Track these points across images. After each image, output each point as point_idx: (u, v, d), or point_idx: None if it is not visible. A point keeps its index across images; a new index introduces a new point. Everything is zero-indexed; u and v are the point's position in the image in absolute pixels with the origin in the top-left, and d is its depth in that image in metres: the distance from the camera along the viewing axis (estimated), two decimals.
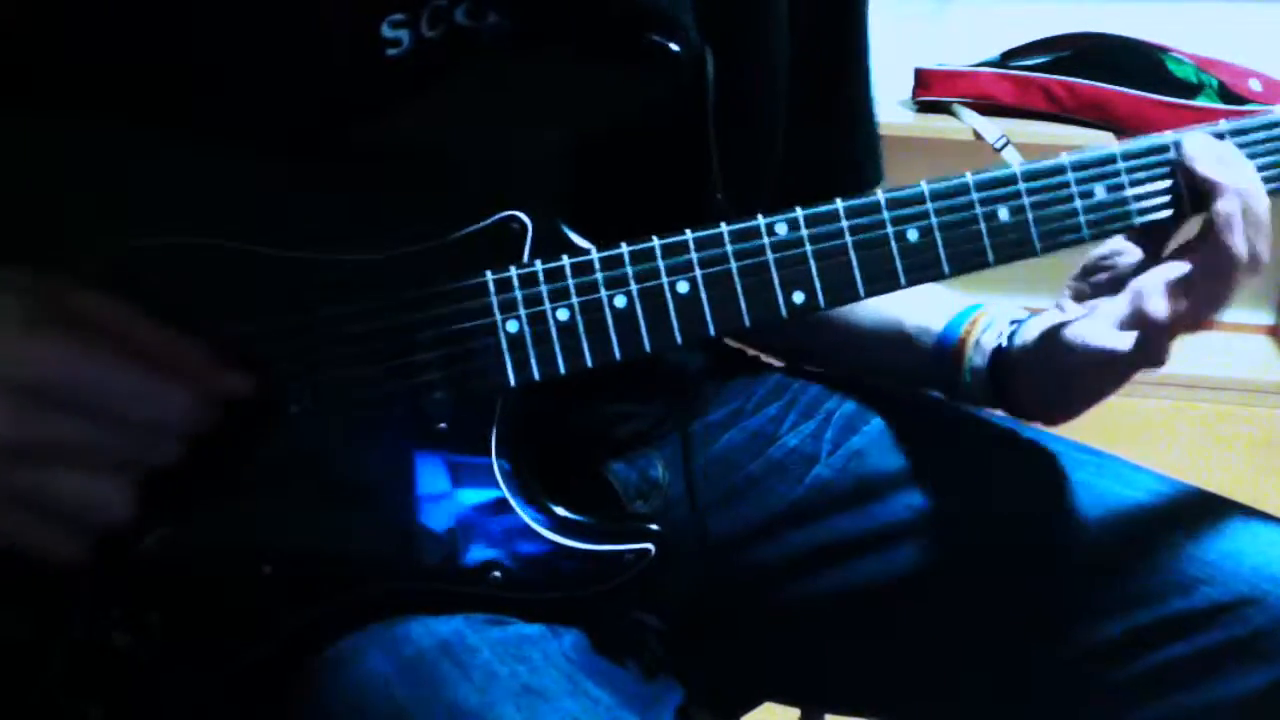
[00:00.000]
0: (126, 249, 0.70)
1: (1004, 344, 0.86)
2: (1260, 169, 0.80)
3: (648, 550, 0.75)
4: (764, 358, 1.05)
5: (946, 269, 0.76)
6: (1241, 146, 0.80)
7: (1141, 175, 0.79)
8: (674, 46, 0.72)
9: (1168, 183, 0.79)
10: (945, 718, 0.92)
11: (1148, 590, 0.82)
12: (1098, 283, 0.83)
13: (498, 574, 0.74)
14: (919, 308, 0.92)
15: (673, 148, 0.78)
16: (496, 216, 0.73)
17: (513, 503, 0.74)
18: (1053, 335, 0.82)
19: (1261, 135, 0.81)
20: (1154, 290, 0.77)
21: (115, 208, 0.71)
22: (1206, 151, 0.78)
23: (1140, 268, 0.80)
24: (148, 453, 0.67)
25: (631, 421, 0.90)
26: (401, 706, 0.68)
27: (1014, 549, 0.86)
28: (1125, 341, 0.77)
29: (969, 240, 0.76)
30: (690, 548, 0.87)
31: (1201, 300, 0.76)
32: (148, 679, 0.72)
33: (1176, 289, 0.76)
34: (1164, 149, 0.79)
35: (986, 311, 0.90)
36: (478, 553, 0.73)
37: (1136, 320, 0.77)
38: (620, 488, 0.89)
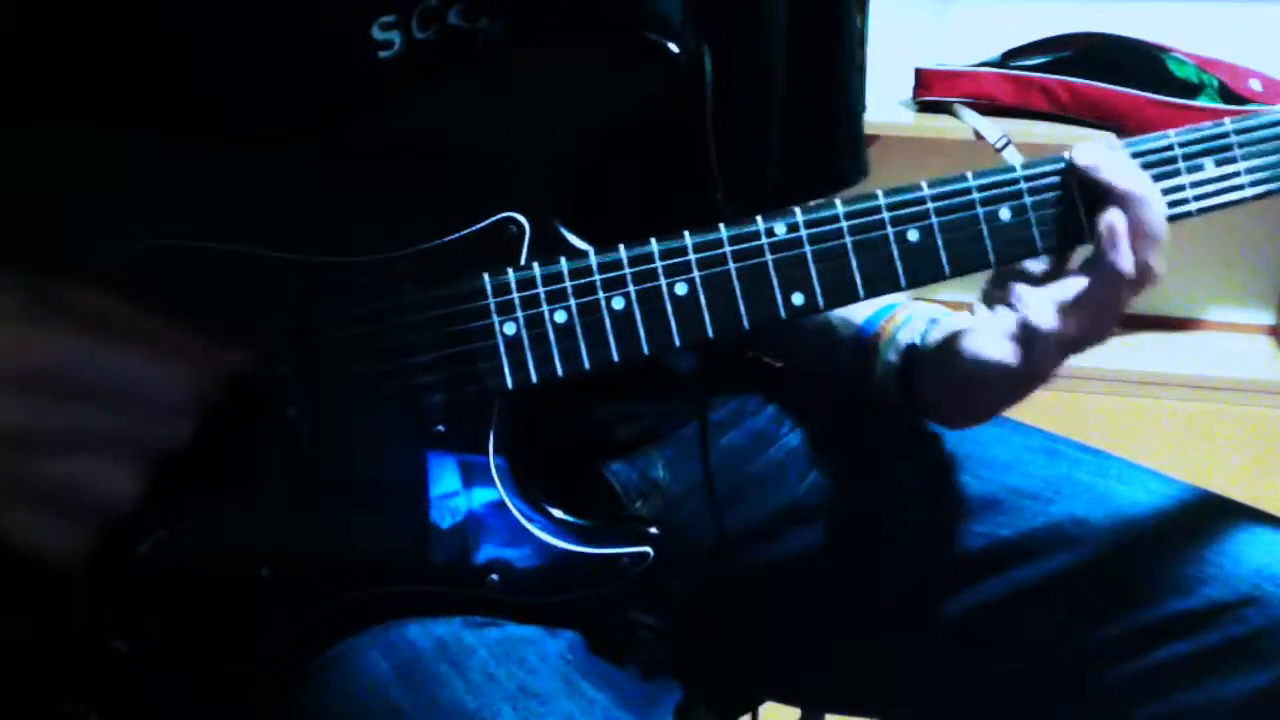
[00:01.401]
0: (124, 252, 0.70)
1: (916, 342, 0.86)
2: (1262, 169, 0.79)
3: (646, 554, 0.75)
4: (765, 358, 1.05)
5: (947, 269, 0.76)
6: (1244, 146, 0.79)
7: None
8: (671, 46, 0.72)
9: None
10: (945, 718, 0.92)
11: (1148, 590, 0.82)
12: (1008, 289, 0.80)
13: (495, 577, 0.74)
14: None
15: (670, 148, 0.78)
16: (493, 218, 0.73)
17: (510, 505, 0.74)
18: (953, 341, 0.81)
19: (1263, 135, 0.80)
20: (1041, 304, 0.76)
21: (113, 211, 0.71)
22: (1095, 163, 0.76)
23: (1044, 278, 0.78)
24: (153, 438, 0.66)
25: (632, 422, 0.90)
26: (399, 708, 0.68)
27: (1014, 549, 0.86)
28: (1012, 355, 0.77)
29: (970, 241, 0.76)
30: (691, 548, 0.87)
31: (1090, 315, 0.75)
32: (146, 681, 0.72)
33: (1066, 304, 0.75)
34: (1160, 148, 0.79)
35: (907, 307, 0.89)
36: (475, 555, 0.73)
37: (1023, 334, 0.76)
38: (620, 488, 0.89)
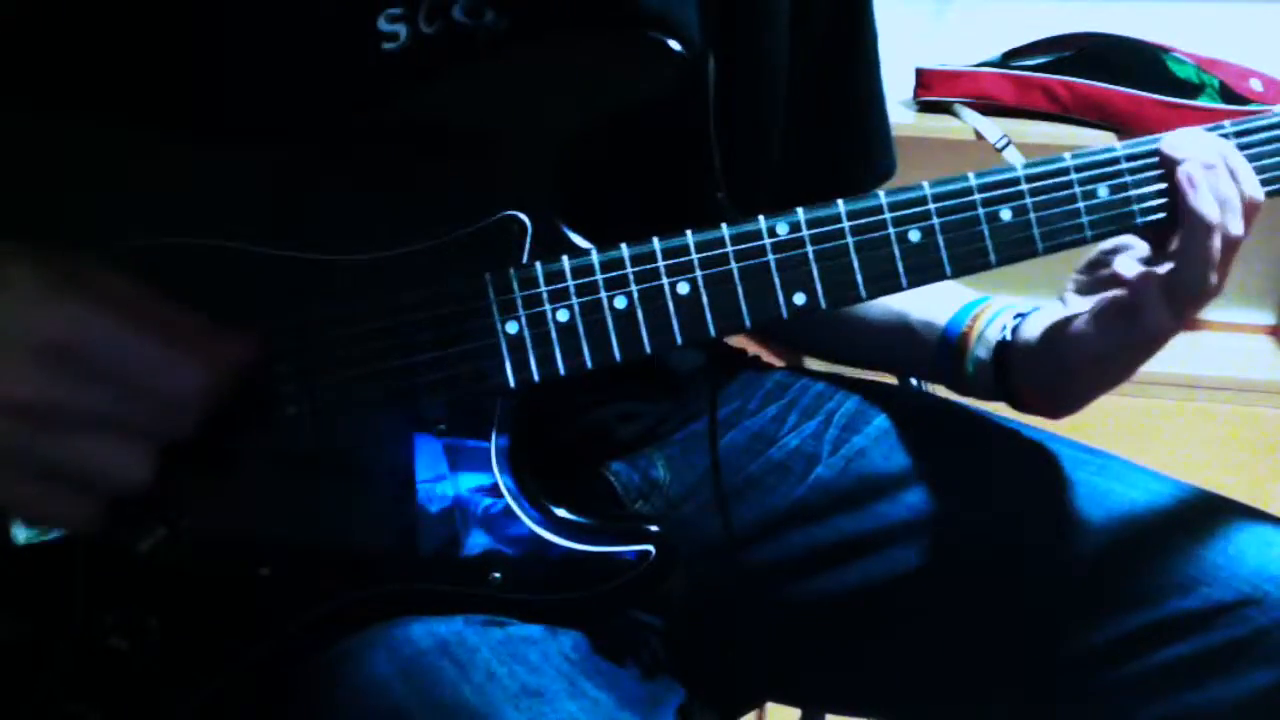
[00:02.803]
0: (126, 250, 0.70)
1: (1007, 337, 0.87)
2: (1264, 169, 0.80)
3: (648, 552, 0.74)
4: (765, 357, 1.05)
5: (948, 270, 0.76)
6: (1245, 148, 0.80)
7: (1144, 175, 0.79)
8: (675, 45, 0.72)
9: (1161, 183, 0.79)
10: (945, 718, 0.92)
11: (1148, 590, 0.82)
12: (1101, 277, 0.83)
13: (498, 575, 0.74)
14: (924, 301, 0.93)
15: (673, 147, 0.78)
16: (496, 217, 0.73)
17: (512, 504, 0.74)
18: (1054, 330, 0.83)
19: (1265, 136, 0.81)
20: (1144, 284, 0.78)
21: (113, 208, 0.71)
22: (1190, 148, 0.79)
23: (1146, 263, 0.80)
24: (167, 424, 0.66)
25: (633, 422, 0.90)
26: (401, 707, 0.68)
27: (1014, 549, 0.86)
28: (1125, 334, 0.78)
29: (971, 241, 0.76)
30: (692, 548, 0.87)
31: (1189, 291, 0.77)
32: (147, 680, 0.72)
33: (1166, 282, 0.77)
34: (1156, 145, 0.80)
35: (991, 305, 0.90)
36: (478, 554, 0.73)
37: (1134, 313, 0.78)
38: (621, 488, 0.89)
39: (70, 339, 0.63)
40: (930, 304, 0.92)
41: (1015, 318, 0.88)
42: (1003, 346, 0.87)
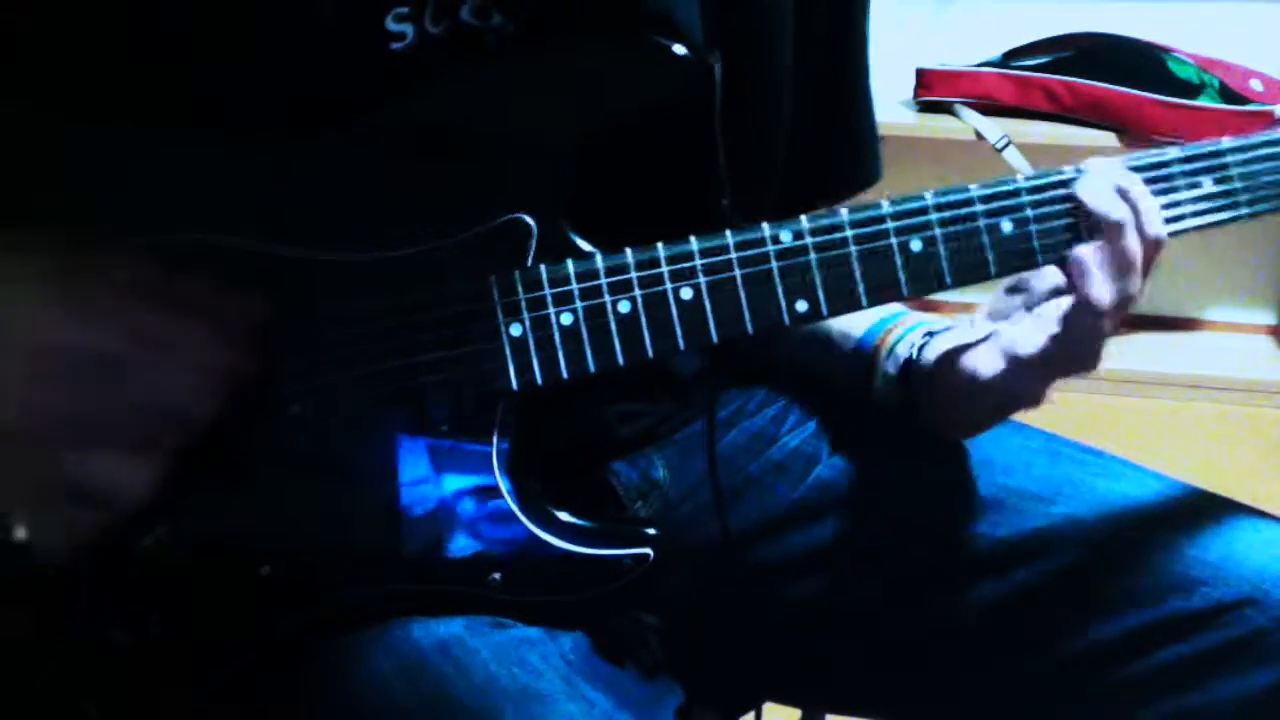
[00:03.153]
0: (133, 246, 0.70)
1: (913, 355, 0.86)
2: (1257, 188, 0.80)
3: (646, 555, 0.75)
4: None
5: (949, 279, 0.76)
6: (1245, 164, 0.80)
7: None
8: (681, 49, 0.72)
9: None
10: (945, 718, 0.92)
11: (1148, 590, 0.82)
12: (1013, 304, 0.81)
13: (497, 576, 0.74)
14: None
15: (679, 151, 0.78)
16: (502, 219, 0.73)
17: (512, 505, 0.73)
18: (951, 356, 0.82)
19: (1260, 154, 0.81)
20: (1026, 328, 0.77)
21: (117, 206, 0.71)
22: (1097, 182, 0.77)
23: (1051, 295, 0.78)
24: (170, 436, 0.66)
25: (633, 422, 0.90)
26: (400, 707, 0.68)
27: (1014, 549, 0.86)
28: (1003, 374, 0.78)
29: (972, 252, 0.76)
30: (692, 548, 0.87)
31: (1073, 341, 0.76)
32: (146, 678, 0.72)
33: (1051, 329, 0.76)
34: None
35: (906, 320, 0.89)
36: (478, 555, 0.73)
37: (1010, 355, 0.77)
38: (621, 489, 0.89)
39: (74, 354, 0.63)
40: (851, 315, 0.91)
41: (924, 335, 0.87)
42: (908, 363, 0.86)
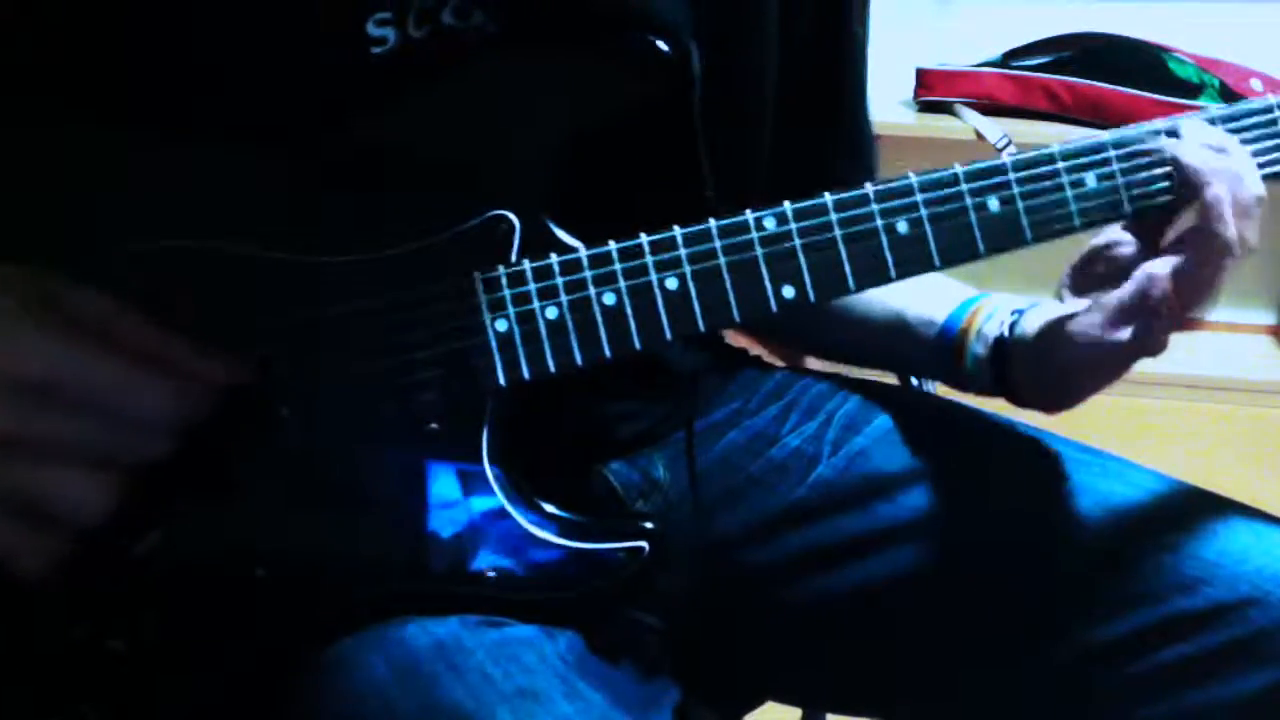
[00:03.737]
0: (123, 253, 0.70)
1: (1005, 334, 0.87)
2: (1252, 155, 0.80)
3: (641, 548, 0.74)
4: (766, 357, 1.05)
5: (937, 261, 0.76)
6: (1233, 134, 0.80)
7: (1132, 164, 0.79)
8: (661, 45, 0.72)
9: (1159, 170, 0.79)
10: (945, 718, 0.92)
11: (1149, 590, 0.82)
12: (1096, 273, 0.83)
13: (491, 574, 0.73)
14: (922, 298, 0.93)
15: (661, 146, 0.78)
16: (484, 216, 0.73)
17: (505, 502, 0.73)
18: (1052, 328, 0.83)
19: (1253, 121, 0.81)
20: (1152, 281, 0.77)
21: (108, 211, 0.71)
22: (1194, 139, 0.79)
23: (1138, 259, 0.80)
24: (130, 449, 0.66)
25: (633, 421, 0.90)
26: (396, 709, 0.68)
27: (1015, 549, 0.86)
28: (1126, 333, 0.78)
29: (959, 231, 0.76)
30: (692, 547, 0.86)
31: (1196, 289, 0.77)
32: (142, 682, 0.72)
33: (1173, 278, 0.77)
34: (1156, 135, 0.80)
35: (990, 301, 0.90)
36: (471, 553, 0.73)
37: (1136, 311, 0.78)
38: (621, 488, 0.89)
39: (35, 371, 0.63)
40: (928, 301, 0.93)
41: (1013, 314, 0.88)
42: (1000, 343, 0.87)
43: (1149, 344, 0.79)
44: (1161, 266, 0.77)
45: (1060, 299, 0.84)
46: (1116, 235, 0.82)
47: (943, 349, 0.91)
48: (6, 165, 0.71)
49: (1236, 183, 0.77)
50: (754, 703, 1.00)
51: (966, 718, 0.90)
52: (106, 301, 0.66)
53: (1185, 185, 0.78)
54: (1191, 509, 0.86)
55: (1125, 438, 2.50)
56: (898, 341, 0.94)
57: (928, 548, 0.88)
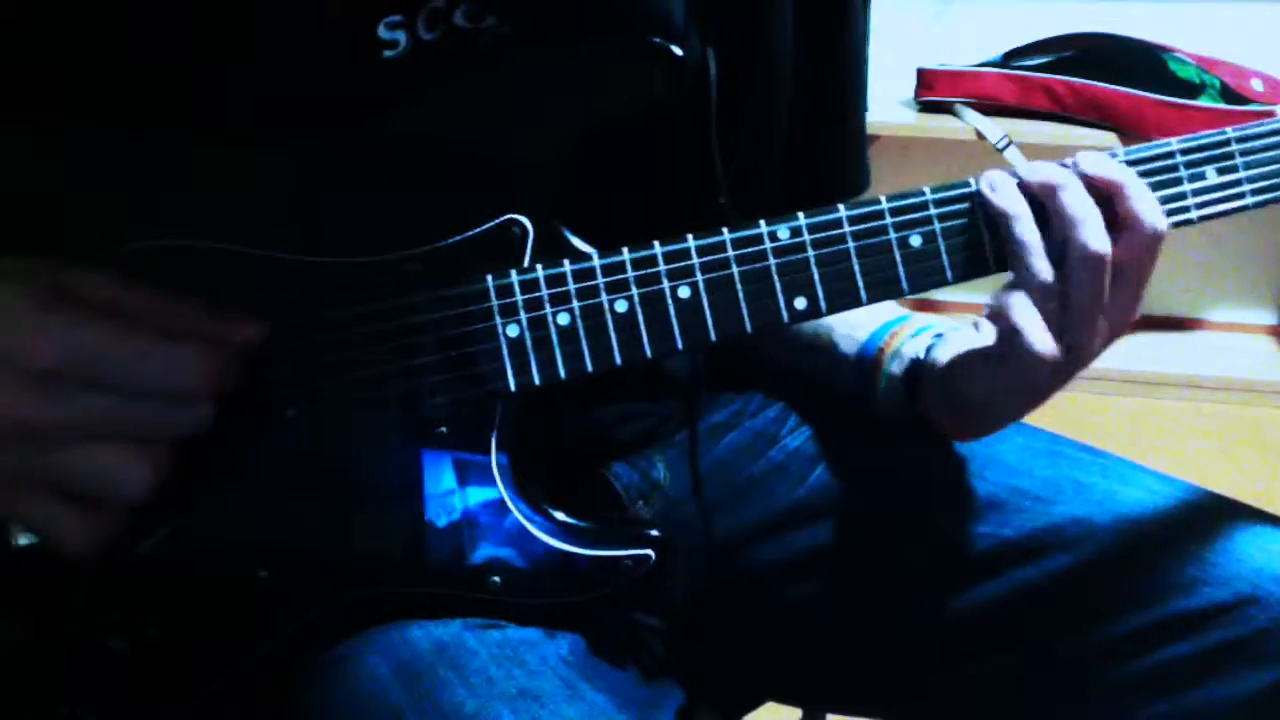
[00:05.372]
0: (125, 251, 0.70)
1: (921, 355, 0.86)
2: (1262, 178, 0.79)
3: (648, 556, 0.74)
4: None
5: (949, 275, 0.76)
6: (1244, 154, 0.79)
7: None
8: (676, 49, 0.72)
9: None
10: (945, 718, 0.92)
11: (1149, 590, 0.82)
12: (1008, 304, 0.80)
13: (497, 579, 0.74)
14: (850, 316, 0.91)
15: (675, 151, 0.78)
16: (497, 220, 0.73)
17: (512, 507, 0.73)
18: (961, 360, 0.81)
19: (1265, 144, 0.80)
20: (1035, 324, 0.74)
21: (113, 210, 0.71)
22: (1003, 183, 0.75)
23: (1049, 289, 0.75)
24: (171, 426, 0.66)
25: (633, 423, 0.90)
26: (398, 710, 0.68)
27: (1015, 549, 0.86)
28: (1012, 375, 0.76)
29: (972, 246, 0.76)
30: (693, 548, 0.86)
31: (1071, 323, 0.74)
32: (144, 682, 0.72)
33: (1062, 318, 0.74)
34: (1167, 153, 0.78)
35: (913, 322, 0.89)
36: (477, 557, 0.73)
37: (1023, 354, 0.74)
38: (621, 490, 0.89)
39: (61, 355, 0.63)
40: (854, 318, 0.91)
41: (934, 337, 0.86)
42: (915, 365, 0.86)
43: (1040, 387, 0.76)
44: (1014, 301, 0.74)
45: (975, 327, 0.83)
46: None
47: (860, 367, 0.89)
48: (6, 165, 0.71)
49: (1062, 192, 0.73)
50: (754, 703, 1.00)
51: (966, 718, 0.90)
52: (114, 283, 0.66)
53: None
54: (1192, 509, 0.86)
55: (1125, 437, 2.50)
56: (820, 357, 0.92)
57: (928, 548, 0.88)
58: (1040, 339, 0.73)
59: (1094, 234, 0.72)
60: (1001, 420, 0.82)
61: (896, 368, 0.87)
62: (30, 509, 0.65)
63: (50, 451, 0.63)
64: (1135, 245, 0.74)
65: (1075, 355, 0.74)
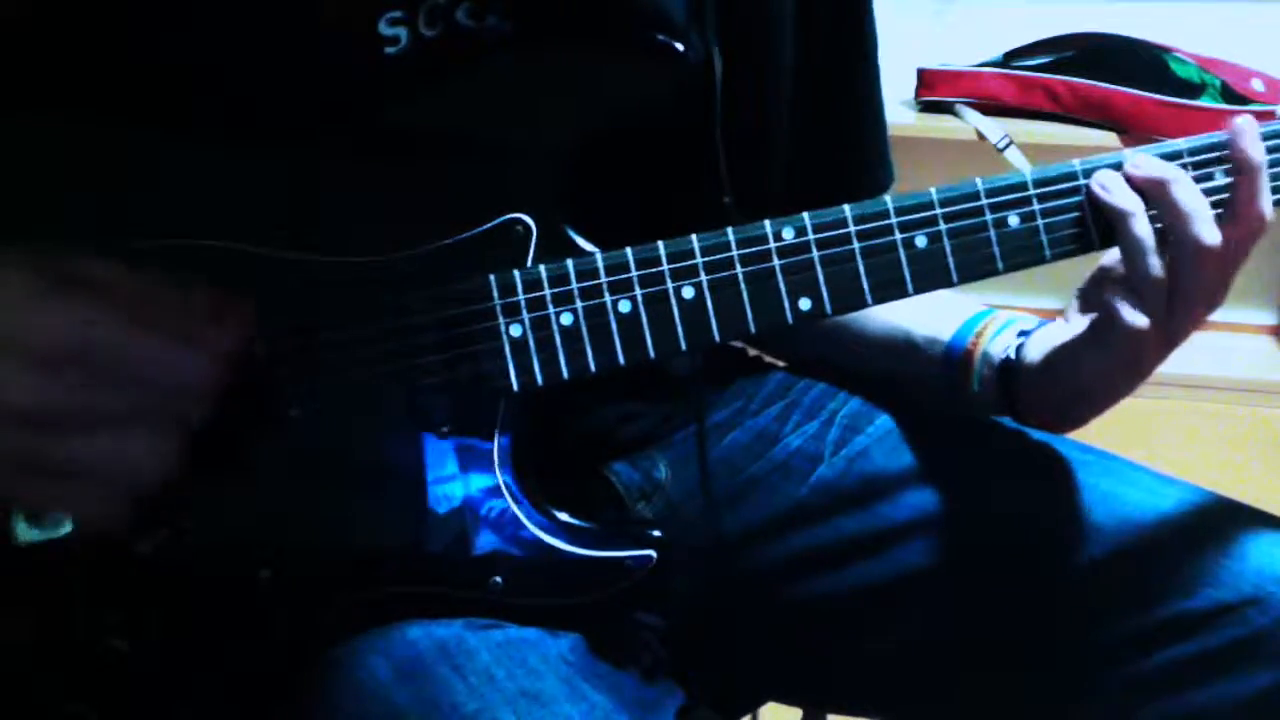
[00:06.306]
0: (126, 252, 0.70)
1: (1011, 355, 0.86)
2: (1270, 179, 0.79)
3: (649, 557, 0.74)
4: (766, 357, 1.05)
5: (955, 276, 0.76)
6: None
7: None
8: (679, 47, 0.72)
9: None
10: (946, 718, 0.92)
11: (1150, 591, 0.82)
12: (1103, 292, 0.81)
13: (498, 579, 0.74)
14: (927, 315, 0.91)
15: (679, 150, 0.78)
16: (501, 219, 0.73)
17: (514, 507, 0.73)
18: (1056, 352, 0.82)
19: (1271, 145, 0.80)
20: (1132, 307, 0.76)
21: (115, 210, 0.71)
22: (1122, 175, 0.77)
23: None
24: (174, 409, 0.65)
25: (635, 422, 0.90)
26: (399, 710, 0.68)
27: (1017, 550, 0.86)
28: (1117, 359, 0.78)
29: (978, 247, 0.76)
30: (694, 548, 0.86)
31: (1183, 301, 0.76)
32: (146, 682, 0.72)
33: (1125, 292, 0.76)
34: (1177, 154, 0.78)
35: (994, 319, 0.89)
36: (478, 558, 0.73)
37: (1125, 337, 0.77)
38: (622, 489, 0.89)
39: (70, 341, 0.62)
40: (933, 318, 0.91)
41: (1019, 335, 0.86)
42: (1007, 365, 0.86)
43: (1143, 368, 0.78)
44: (1126, 295, 0.77)
45: (1066, 319, 0.84)
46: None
47: (949, 368, 0.89)
48: (7, 164, 0.71)
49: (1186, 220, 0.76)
50: (754, 703, 1.00)
51: (967, 718, 0.90)
52: (124, 273, 0.66)
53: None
54: (1193, 510, 0.86)
55: (1126, 438, 2.49)
56: (902, 360, 0.92)
57: (929, 548, 0.88)
58: (1143, 326, 0.76)
59: (1206, 227, 0.75)
60: (1107, 403, 0.82)
61: (988, 370, 0.87)
62: (43, 491, 0.64)
63: (54, 436, 0.63)
64: (1240, 233, 0.78)
65: (1175, 336, 0.78)
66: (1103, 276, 0.82)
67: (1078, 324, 0.82)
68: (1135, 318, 0.75)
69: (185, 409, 0.65)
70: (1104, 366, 0.79)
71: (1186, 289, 0.76)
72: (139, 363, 0.63)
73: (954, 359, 0.89)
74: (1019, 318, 0.89)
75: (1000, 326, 0.88)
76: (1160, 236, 0.76)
